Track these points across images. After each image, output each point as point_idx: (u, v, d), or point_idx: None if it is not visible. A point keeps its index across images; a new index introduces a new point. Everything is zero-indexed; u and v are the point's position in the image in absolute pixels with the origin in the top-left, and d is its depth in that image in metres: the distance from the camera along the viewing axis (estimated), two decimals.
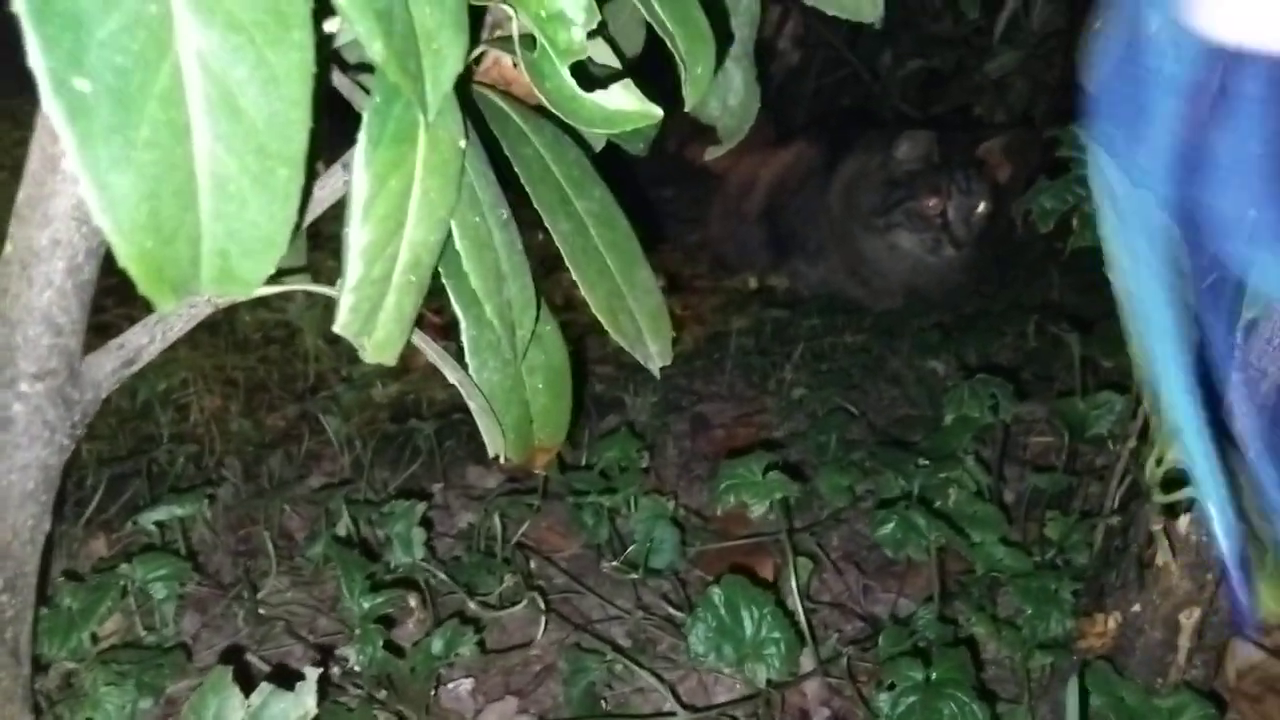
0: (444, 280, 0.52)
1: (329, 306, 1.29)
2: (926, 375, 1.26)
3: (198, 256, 0.35)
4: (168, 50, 0.32)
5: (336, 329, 0.43)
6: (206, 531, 0.92)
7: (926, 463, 0.86)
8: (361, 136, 0.41)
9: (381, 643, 0.62)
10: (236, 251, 0.36)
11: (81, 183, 0.31)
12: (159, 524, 0.74)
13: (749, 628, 0.65)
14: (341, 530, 0.79)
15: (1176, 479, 0.61)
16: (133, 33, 0.32)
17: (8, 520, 0.45)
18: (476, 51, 0.57)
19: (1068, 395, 0.95)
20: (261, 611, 0.79)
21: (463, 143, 0.44)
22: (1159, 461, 0.52)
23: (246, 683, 0.47)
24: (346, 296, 0.42)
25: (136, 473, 0.99)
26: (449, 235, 0.47)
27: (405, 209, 0.42)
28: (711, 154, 0.85)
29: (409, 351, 1.34)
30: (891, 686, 0.62)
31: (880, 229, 1.51)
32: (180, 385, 1.25)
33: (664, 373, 1.34)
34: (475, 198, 0.49)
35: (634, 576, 0.83)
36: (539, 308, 0.59)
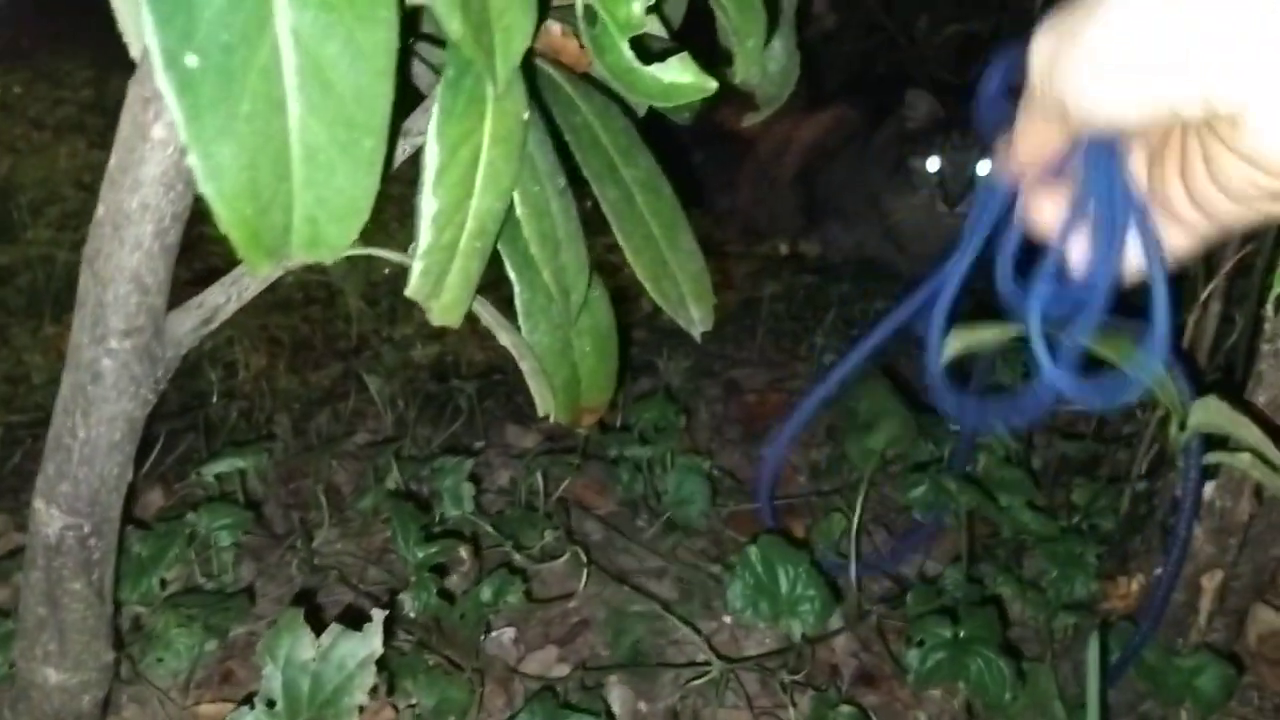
0: (500, 246, 0.54)
1: (370, 268, 1.32)
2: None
3: (290, 223, 0.38)
4: (267, 27, 0.35)
5: (408, 293, 0.45)
6: (259, 484, 0.96)
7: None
8: (435, 108, 0.43)
9: (435, 590, 0.66)
10: (325, 217, 0.39)
11: (189, 153, 0.34)
12: (218, 476, 0.78)
13: (784, 585, 0.68)
14: (390, 485, 0.82)
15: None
16: (236, 11, 0.34)
17: (96, 469, 0.49)
18: None
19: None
20: (315, 561, 0.82)
21: (525, 115, 0.46)
22: (1181, 426, 0.54)
23: (314, 625, 0.51)
24: (418, 262, 0.44)
25: (191, 428, 1.03)
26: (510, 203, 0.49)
27: (473, 178, 0.45)
28: (749, 120, 0.87)
29: None
30: (921, 643, 0.64)
31: (894, 188, 1.52)
32: (227, 344, 1.29)
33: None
34: (535, 167, 0.51)
35: (668, 533, 0.86)
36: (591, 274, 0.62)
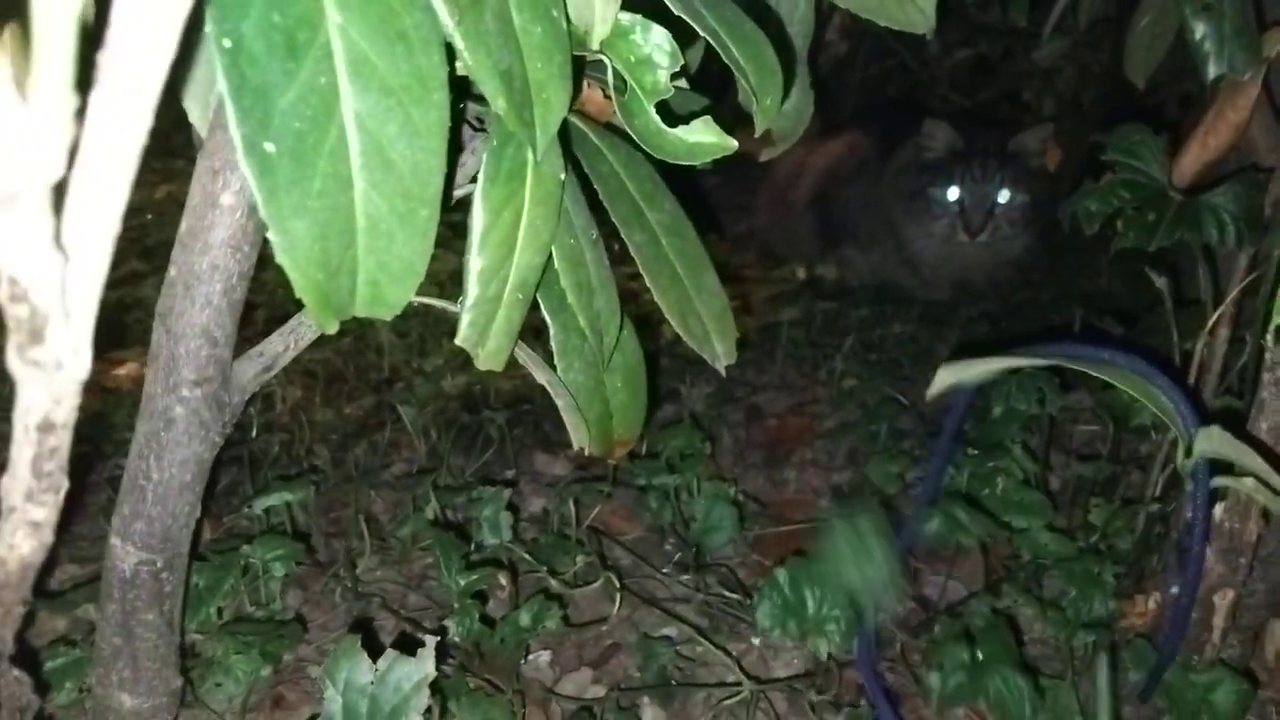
0: (538, 293, 0.58)
1: None
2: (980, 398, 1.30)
3: (355, 286, 0.42)
4: (335, 114, 0.38)
5: (458, 342, 0.49)
6: (302, 514, 1.00)
7: (975, 452, 0.91)
8: (480, 175, 0.47)
9: (478, 616, 0.69)
10: (385, 280, 0.42)
11: (269, 229, 0.37)
12: (265, 509, 0.82)
13: (811, 605, 0.71)
14: (429, 514, 0.86)
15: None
16: (308, 100, 0.38)
17: (168, 507, 0.52)
18: None
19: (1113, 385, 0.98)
20: (359, 589, 0.86)
21: (562, 175, 0.50)
22: (1188, 453, 0.56)
23: (368, 650, 0.54)
24: (466, 314, 0.48)
25: (234, 460, 1.07)
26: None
27: (515, 237, 0.48)
28: (765, 154, 0.90)
29: None
30: (941, 666, 0.67)
31: (913, 216, 1.56)
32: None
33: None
34: (570, 222, 0.54)
35: (696, 558, 0.89)
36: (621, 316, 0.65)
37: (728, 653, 0.81)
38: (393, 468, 1.10)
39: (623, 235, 0.66)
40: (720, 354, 0.73)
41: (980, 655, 0.67)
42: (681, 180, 0.70)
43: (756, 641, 0.85)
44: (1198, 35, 0.87)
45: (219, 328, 0.50)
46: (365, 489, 1.02)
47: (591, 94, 0.72)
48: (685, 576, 0.90)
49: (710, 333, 0.72)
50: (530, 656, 0.83)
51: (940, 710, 0.68)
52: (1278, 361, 0.58)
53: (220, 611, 0.68)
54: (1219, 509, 0.66)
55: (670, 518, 0.93)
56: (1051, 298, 1.55)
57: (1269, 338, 0.59)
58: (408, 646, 0.54)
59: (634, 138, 0.75)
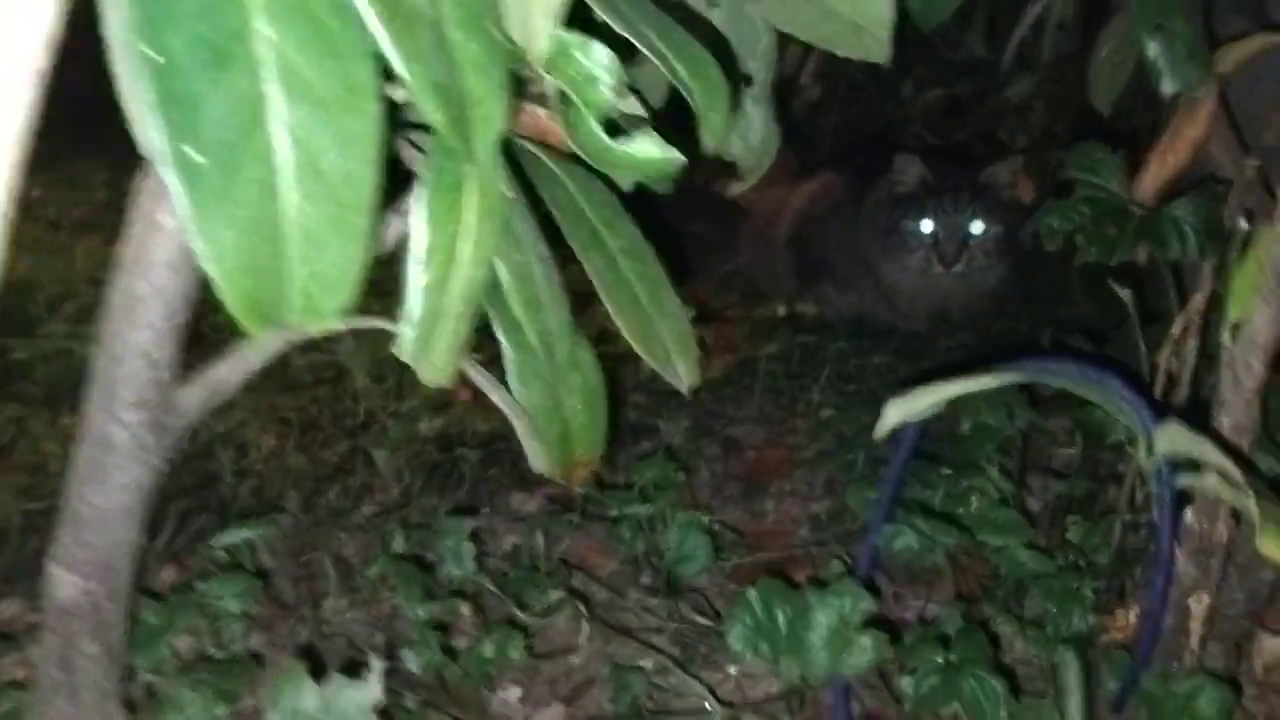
0: (490, 311, 0.58)
1: (376, 346, 1.36)
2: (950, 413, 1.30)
3: (286, 295, 0.41)
4: (263, 124, 0.38)
5: (400, 355, 0.48)
6: (269, 558, 0.98)
7: (949, 472, 0.90)
8: (421, 189, 0.47)
9: (438, 646, 0.67)
10: (318, 289, 0.42)
11: (193, 237, 0.37)
12: (229, 549, 0.80)
13: (784, 626, 0.69)
14: (396, 550, 0.84)
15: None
16: (235, 110, 0.38)
17: (109, 535, 0.51)
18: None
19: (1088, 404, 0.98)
20: (323, 629, 0.84)
21: (506, 191, 0.50)
22: (1149, 451, 0.56)
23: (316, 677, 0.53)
24: (408, 329, 0.48)
25: (203, 507, 1.06)
26: (495, 272, 0.53)
27: (458, 251, 0.48)
28: (734, 190, 0.91)
29: (451, 387, 1.40)
30: (913, 671, 0.66)
31: (888, 250, 1.57)
32: (239, 425, 1.33)
33: (696, 398, 1.40)
34: (517, 238, 0.54)
35: (670, 589, 0.88)
36: (575, 334, 0.65)
37: (702, 681, 0.79)
38: (364, 510, 1.09)
39: (581, 261, 0.66)
40: (683, 375, 0.72)
41: (954, 658, 0.66)
42: (661, 226, 0.71)
43: (733, 670, 0.84)
44: (1151, 54, 0.89)
45: (159, 350, 0.50)
46: (335, 531, 1.01)
47: (552, 126, 0.72)
48: (659, 607, 0.89)
49: (672, 354, 0.71)
50: (499, 692, 0.81)
51: (915, 715, 0.66)
52: (1236, 358, 0.57)
53: (175, 652, 0.67)
54: (1188, 512, 0.66)
55: (644, 549, 0.91)
56: (1029, 326, 1.56)
57: (1226, 334, 0.59)
58: (357, 672, 0.53)
59: (588, 161, 0.76)
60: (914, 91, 2.28)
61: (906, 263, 1.57)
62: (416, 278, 0.47)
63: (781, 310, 1.83)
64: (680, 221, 2.37)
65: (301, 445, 1.27)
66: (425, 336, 0.48)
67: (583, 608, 0.81)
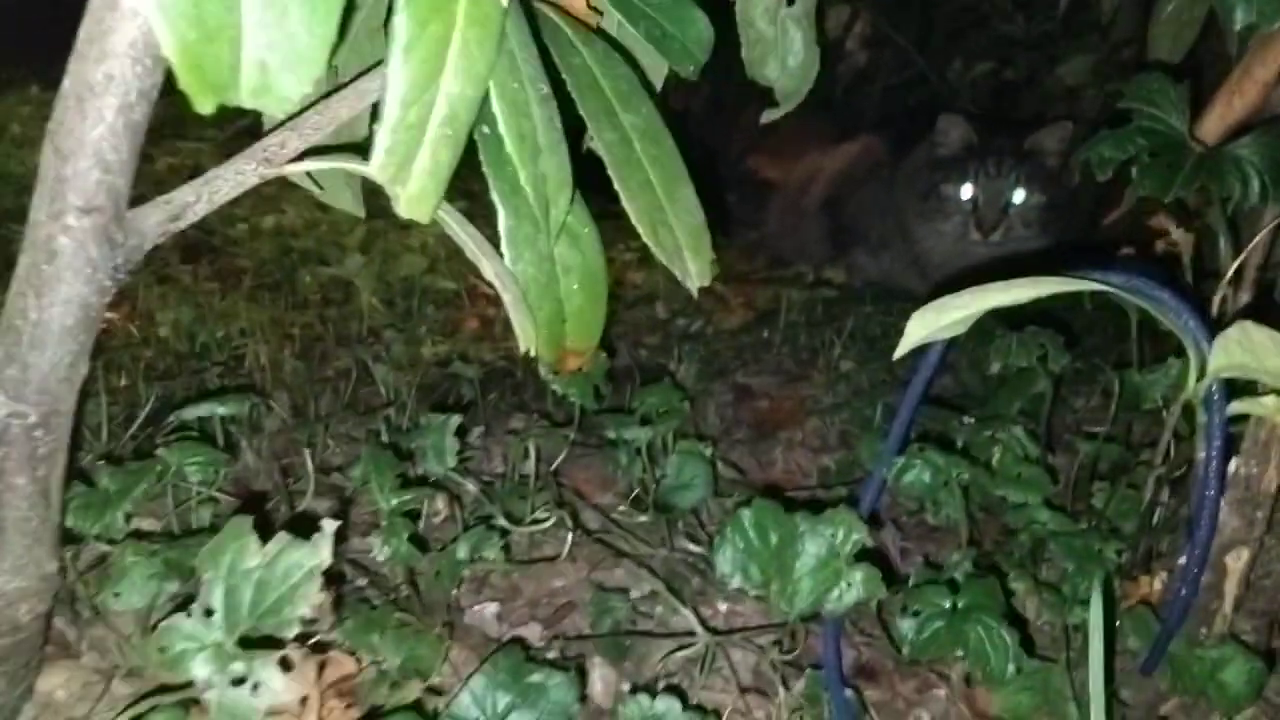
0: (487, 171, 0.52)
1: (386, 269, 1.31)
2: (981, 360, 1.23)
3: (238, 63, 0.36)
4: None
5: (370, 171, 0.43)
6: (251, 458, 0.94)
7: (970, 420, 0.84)
8: None
9: (409, 535, 0.63)
10: (276, 64, 0.37)
11: None
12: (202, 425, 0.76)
13: (777, 551, 0.64)
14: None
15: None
16: None
17: (46, 354, 0.47)
18: None
19: (1126, 366, 0.92)
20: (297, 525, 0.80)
21: (505, 1, 0.45)
22: (1200, 374, 0.50)
23: (269, 535, 0.48)
24: (382, 137, 0.43)
25: (187, 400, 1.02)
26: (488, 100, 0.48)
27: (443, 57, 0.43)
28: (768, 116, 0.85)
29: (459, 314, 1.34)
30: (916, 613, 0.60)
31: (925, 214, 1.50)
32: (239, 334, 1.29)
33: (711, 346, 1.34)
34: (515, 66, 0.49)
35: (666, 517, 0.82)
36: (579, 208, 0.60)
37: (683, 600, 0.74)
38: (366, 421, 1.04)
39: (592, 133, 0.60)
40: (693, 272, 0.67)
41: (962, 603, 0.60)
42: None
43: (723, 607, 0.79)
44: None
45: (113, 151, 0.45)
46: (322, 434, 0.96)
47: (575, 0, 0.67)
48: (652, 534, 0.84)
49: (683, 247, 0.66)
50: (476, 607, 0.76)
51: (912, 659, 0.60)
52: None
53: (129, 518, 0.62)
54: (1234, 461, 0.59)
55: (641, 474, 0.86)
56: (1069, 300, 1.48)
57: None
58: (307, 532, 0.48)
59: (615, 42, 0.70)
60: (964, 66, 2.21)
61: (942, 228, 1.50)
62: (393, 79, 0.42)
63: (810, 275, 1.77)
64: (713, 195, 2.33)
65: (301, 356, 1.23)
66: (401, 152, 0.43)
67: (569, 522, 0.76)
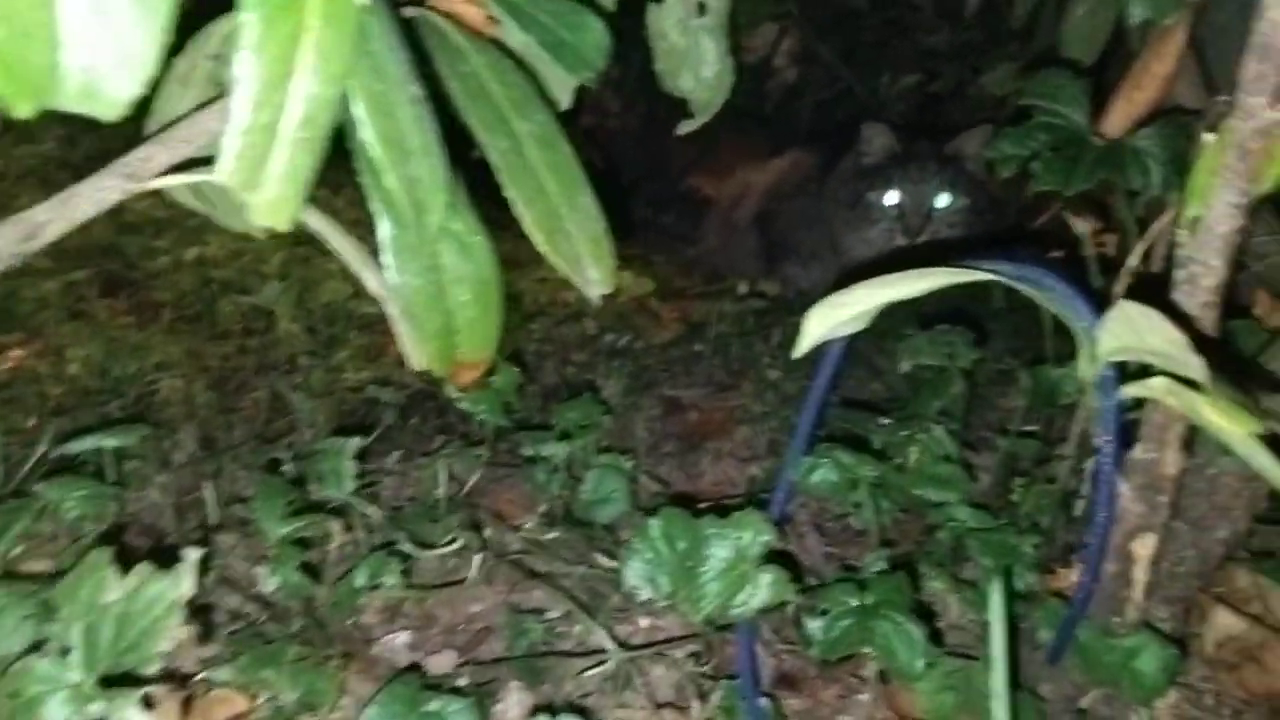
0: (356, 166, 0.51)
1: (306, 294, 1.28)
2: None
3: (55, 64, 0.35)
4: None
5: (218, 175, 0.41)
6: (156, 494, 0.90)
7: (887, 421, 0.84)
8: None
9: (297, 565, 0.60)
10: (101, 64, 0.35)
11: None
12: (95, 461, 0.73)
13: (687, 560, 0.62)
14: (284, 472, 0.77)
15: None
16: None
17: None
18: None
19: (1041, 363, 0.92)
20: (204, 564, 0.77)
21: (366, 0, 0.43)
22: (1091, 357, 0.49)
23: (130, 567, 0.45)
24: (231, 141, 0.41)
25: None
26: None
27: (294, 56, 0.41)
28: (684, 127, 0.85)
29: (384, 339, 1.31)
30: (825, 612, 0.59)
31: (852, 223, 1.52)
32: (154, 368, 1.25)
33: (641, 360, 1.33)
34: (380, 67, 0.48)
35: (584, 534, 0.81)
36: (466, 213, 0.58)
37: (592, 615, 0.72)
38: (273, 452, 1.01)
39: (484, 144, 0.59)
40: (593, 280, 0.66)
41: (870, 600, 0.59)
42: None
43: (644, 622, 0.77)
44: None
45: None
46: (231, 467, 0.93)
47: (469, 7, 0.66)
48: (569, 551, 0.82)
49: (582, 255, 0.65)
50: (387, 637, 0.74)
51: (823, 658, 0.59)
52: (1191, 256, 0.51)
53: (3, 556, 0.59)
54: (1136, 447, 0.59)
55: (558, 491, 0.84)
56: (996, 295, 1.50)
57: (1183, 234, 0.53)
58: (168, 563, 0.45)
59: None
60: (891, 79, 2.23)
61: (869, 236, 1.52)
62: (242, 82, 0.40)
63: (743, 288, 1.77)
64: (652, 213, 2.35)
65: (216, 388, 1.20)
66: (251, 155, 0.41)
67: (479, 546, 0.73)
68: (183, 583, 0.44)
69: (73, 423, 1.08)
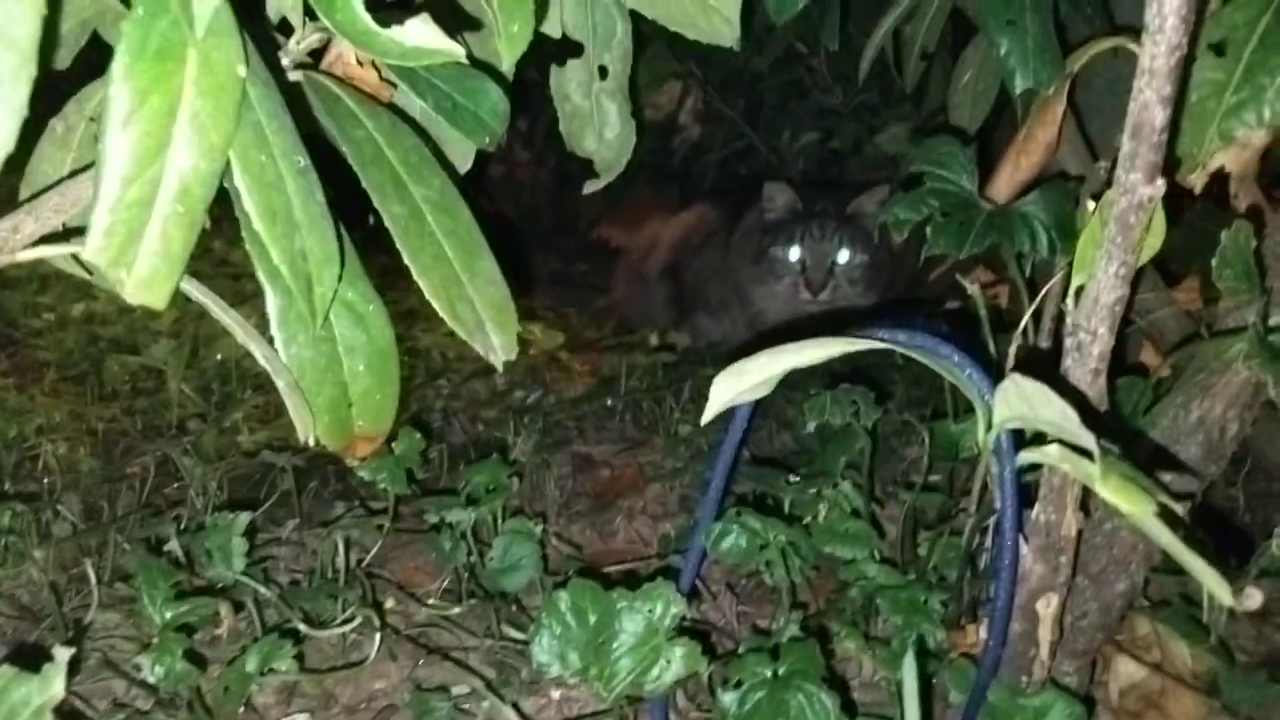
0: (244, 237, 0.49)
1: (199, 352, 1.23)
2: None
3: None
4: None
5: (86, 255, 0.39)
6: (35, 571, 0.85)
7: (796, 479, 0.84)
8: (120, 48, 0.38)
9: (182, 652, 0.56)
10: None
11: None
12: None
13: (596, 633, 0.61)
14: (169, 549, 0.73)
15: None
16: None
17: None
18: (318, 41, 0.56)
19: (941, 417, 0.94)
20: (80, 640, 0.72)
21: (242, 70, 0.42)
22: (988, 426, 0.50)
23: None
24: (99, 218, 0.38)
25: None
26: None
27: (169, 130, 0.40)
28: (589, 187, 0.85)
29: (280, 398, 1.27)
30: (738, 684, 0.58)
31: (757, 276, 1.55)
32: (35, 433, 1.18)
33: (551, 416, 1.31)
34: (263, 137, 0.46)
35: (492, 604, 0.78)
36: (361, 285, 0.57)
37: (516, 706, 0.69)
38: (161, 522, 0.96)
39: (379, 209, 0.58)
40: (497, 346, 0.64)
41: (783, 670, 0.58)
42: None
43: (555, 695, 0.75)
44: (1003, 50, 0.87)
45: None
46: (113, 539, 0.88)
47: (366, 73, 0.64)
48: (476, 624, 0.79)
49: (485, 321, 0.64)
50: (284, 719, 0.70)
51: None
52: (1079, 325, 0.53)
53: None
54: (1036, 509, 0.60)
55: (465, 559, 0.82)
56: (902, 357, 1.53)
57: (1070, 301, 0.54)
58: (37, 661, 0.42)
59: (405, 116, 0.68)
60: (791, 137, 2.29)
61: (774, 289, 1.55)
62: (112, 157, 0.38)
63: (654, 340, 1.78)
64: (563, 263, 2.35)
65: (103, 454, 1.14)
66: (123, 233, 0.39)
67: (378, 621, 0.70)
68: (52, 685, 0.40)
69: None
